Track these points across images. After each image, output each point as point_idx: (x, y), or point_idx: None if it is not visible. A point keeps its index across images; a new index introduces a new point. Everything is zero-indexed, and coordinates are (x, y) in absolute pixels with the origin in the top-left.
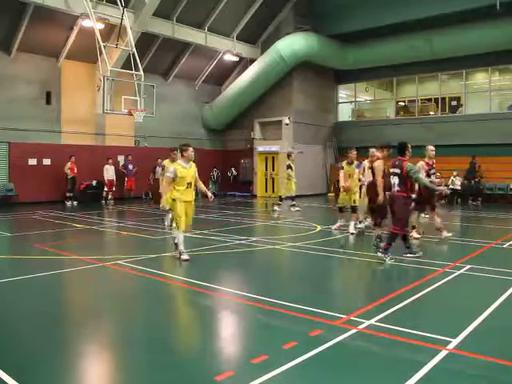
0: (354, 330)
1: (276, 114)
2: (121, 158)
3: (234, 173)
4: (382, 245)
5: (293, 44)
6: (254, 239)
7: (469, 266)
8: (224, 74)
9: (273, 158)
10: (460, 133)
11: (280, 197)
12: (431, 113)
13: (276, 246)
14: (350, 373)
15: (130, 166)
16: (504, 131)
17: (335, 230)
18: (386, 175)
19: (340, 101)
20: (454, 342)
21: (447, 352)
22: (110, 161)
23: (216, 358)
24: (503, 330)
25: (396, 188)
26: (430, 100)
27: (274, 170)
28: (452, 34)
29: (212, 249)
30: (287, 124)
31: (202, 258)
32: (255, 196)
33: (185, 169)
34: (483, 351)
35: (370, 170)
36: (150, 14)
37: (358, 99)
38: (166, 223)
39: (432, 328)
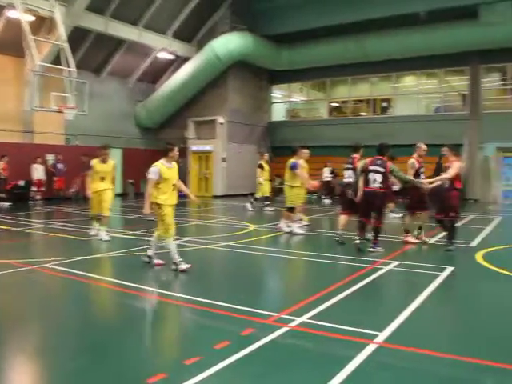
0: (285, 328)
1: (210, 113)
2: (50, 157)
3: None
4: (371, 240)
5: (228, 43)
6: (187, 239)
7: (397, 262)
8: (159, 72)
9: (207, 157)
10: (390, 133)
11: (256, 197)
12: (363, 113)
13: (208, 246)
14: (282, 370)
15: (60, 166)
16: (431, 132)
17: (293, 230)
18: (362, 173)
19: (274, 101)
20: (382, 335)
21: (376, 345)
22: (39, 160)
23: (148, 360)
24: (428, 322)
25: (378, 185)
26: (361, 101)
27: (207, 169)
28: (383, 38)
29: (144, 249)
30: (221, 123)
31: (134, 259)
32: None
33: (169, 169)
34: (410, 343)
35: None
36: (83, 8)
37: (292, 99)
38: (92, 232)
39: (361, 323)
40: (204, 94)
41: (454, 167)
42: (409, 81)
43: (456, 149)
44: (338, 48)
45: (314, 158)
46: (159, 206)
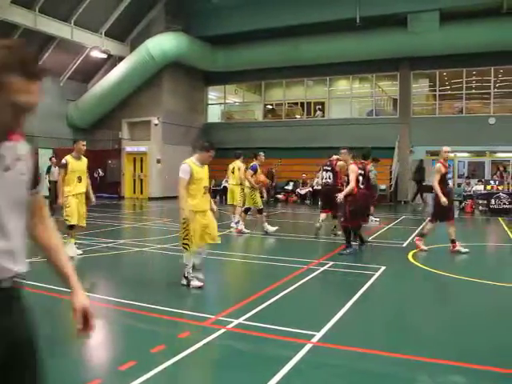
0: (222, 330)
1: (145, 113)
2: None
3: (101, 173)
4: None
5: (163, 44)
6: (122, 242)
7: (332, 263)
8: (91, 70)
9: (141, 158)
10: (323, 136)
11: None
12: (297, 116)
13: (144, 249)
14: (219, 372)
15: None
16: (363, 135)
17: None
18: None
19: (209, 102)
20: (318, 335)
21: (311, 345)
22: None
23: (81, 366)
24: (363, 321)
25: (361, 186)
26: (296, 104)
27: (142, 170)
28: (318, 42)
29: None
30: (156, 124)
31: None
32: (123, 197)
33: (201, 169)
34: (346, 342)
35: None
36: (9, 1)
37: (227, 101)
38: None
39: (297, 323)
40: (138, 94)
41: (352, 172)
42: (342, 85)
43: (352, 151)
44: (273, 51)
45: (249, 160)
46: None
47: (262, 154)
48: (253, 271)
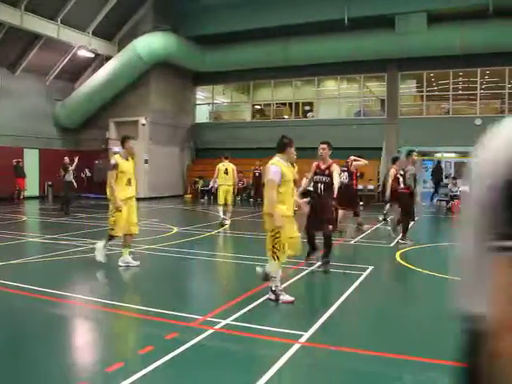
0: (210, 331)
1: (133, 113)
2: None
3: (88, 174)
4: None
5: (151, 43)
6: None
7: (319, 263)
8: (78, 70)
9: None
10: (312, 136)
11: None
12: (285, 116)
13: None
14: (208, 372)
15: None
16: (351, 136)
17: None
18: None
19: (198, 102)
20: (306, 335)
21: (299, 345)
22: None
23: (69, 368)
24: (349, 320)
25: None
26: (284, 104)
27: None
28: (306, 43)
29: (62, 254)
30: (144, 124)
31: (51, 265)
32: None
33: (289, 168)
34: (333, 342)
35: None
36: None
37: (215, 101)
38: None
39: (285, 323)
40: (126, 94)
41: (336, 170)
42: (330, 85)
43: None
44: (261, 51)
45: (237, 161)
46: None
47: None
48: (242, 271)
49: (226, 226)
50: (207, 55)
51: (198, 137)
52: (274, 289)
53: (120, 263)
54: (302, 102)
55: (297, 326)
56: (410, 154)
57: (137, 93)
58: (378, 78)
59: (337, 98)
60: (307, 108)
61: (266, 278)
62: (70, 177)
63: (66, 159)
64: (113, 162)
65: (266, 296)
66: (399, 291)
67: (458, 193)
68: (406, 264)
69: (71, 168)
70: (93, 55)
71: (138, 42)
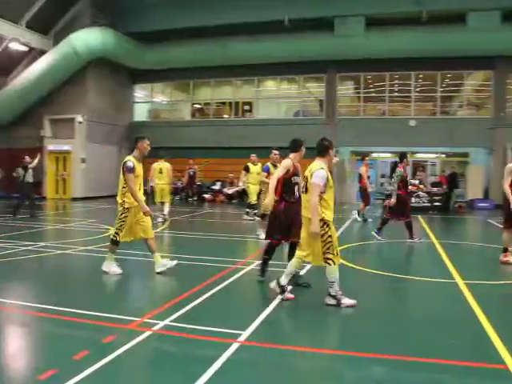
0: (148, 332)
1: (69, 111)
2: None
3: (21, 173)
4: None
5: (88, 39)
6: (43, 244)
7: (259, 262)
8: (10, 64)
9: (64, 157)
10: (251, 136)
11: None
12: (225, 116)
13: (67, 251)
14: (146, 374)
15: None
16: (290, 136)
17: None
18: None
19: (136, 100)
20: (245, 334)
21: (238, 344)
22: None
23: None
24: (288, 318)
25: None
26: (224, 103)
27: (65, 170)
28: (246, 43)
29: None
30: (80, 122)
31: None
32: (45, 198)
33: (329, 174)
34: (270, 340)
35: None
36: None
37: (154, 100)
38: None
39: (224, 323)
40: (62, 90)
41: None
42: (270, 85)
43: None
44: (201, 50)
45: (176, 160)
46: (326, 223)
47: (275, 151)
48: (180, 271)
49: (165, 225)
50: (147, 52)
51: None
52: (333, 294)
53: (159, 270)
54: (242, 101)
55: (235, 325)
56: (404, 156)
57: (73, 89)
58: (317, 79)
59: (276, 99)
60: (246, 108)
61: (283, 290)
62: (29, 177)
63: (27, 158)
64: (130, 164)
65: (325, 302)
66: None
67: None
68: (344, 262)
69: (31, 166)
70: (26, 49)
71: (75, 37)
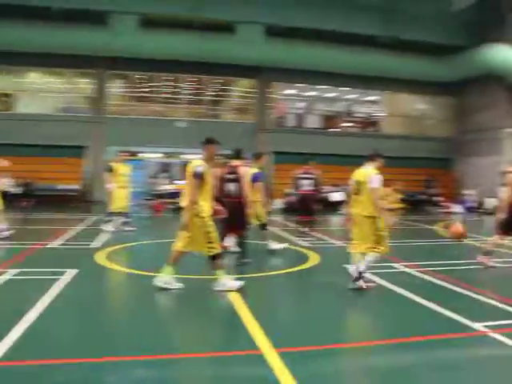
0: None
1: None
2: None
3: None
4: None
5: None
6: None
7: (19, 270)
8: None
9: None
10: (8, 131)
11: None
12: None
13: None
14: None
15: None
16: (55, 133)
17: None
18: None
19: None
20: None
21: None
22: None
23: None
24: (51, 329)
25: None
26: None
27: None
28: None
29: None
30: None
31: None
32: None
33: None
34: (31, 355)
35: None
36: None
37: None
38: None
39: None
40: None
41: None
42: (33, 77)
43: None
44: None
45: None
46: (375, 219)
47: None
48: None
49: None
50: None
51: None
52: (361, 271)
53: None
54: (1, 93)
55: None
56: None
57: None
58: (86, 75)
59: (40, 92)
60: (5, 100)
61: (359, 276)
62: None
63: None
64: (201, 169)
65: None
66: (104, 293)
67: (161, 192)
68: (110, 265)
69: None
70: None
71: None
